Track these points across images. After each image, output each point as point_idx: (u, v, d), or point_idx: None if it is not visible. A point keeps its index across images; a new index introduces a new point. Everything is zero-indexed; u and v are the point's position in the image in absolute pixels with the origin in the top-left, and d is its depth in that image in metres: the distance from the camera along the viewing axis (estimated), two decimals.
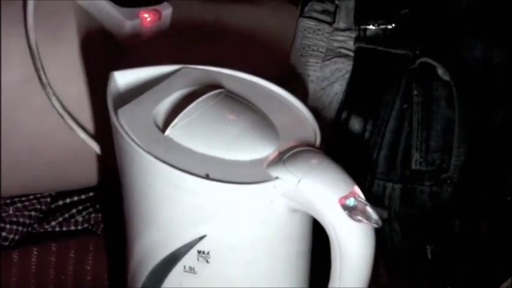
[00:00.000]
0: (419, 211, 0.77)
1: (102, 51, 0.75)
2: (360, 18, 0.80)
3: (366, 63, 0.79)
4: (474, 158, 0.76)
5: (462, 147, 0.76)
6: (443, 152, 0.76)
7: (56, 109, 0.72)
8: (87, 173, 0.78)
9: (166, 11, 0.75)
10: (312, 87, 0.79)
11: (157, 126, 0.57)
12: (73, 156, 0.76)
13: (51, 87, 0.72)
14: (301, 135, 0.58)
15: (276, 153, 0.55)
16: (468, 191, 0.77)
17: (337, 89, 0.79)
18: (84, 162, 0.77)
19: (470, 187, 0.77)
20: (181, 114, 0.56)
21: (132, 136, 0.56)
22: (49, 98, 0.72)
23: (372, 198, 0.76)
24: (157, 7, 0.74)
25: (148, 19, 0.73)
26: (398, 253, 0.78)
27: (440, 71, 0.76)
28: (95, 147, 0.75)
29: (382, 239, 0.77)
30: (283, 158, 0.54)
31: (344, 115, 0.79)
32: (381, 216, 0.73)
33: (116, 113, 0.58)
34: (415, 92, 0.76)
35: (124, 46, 0.74)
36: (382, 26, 0.79)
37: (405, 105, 0.76)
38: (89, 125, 0.75)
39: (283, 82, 0.63)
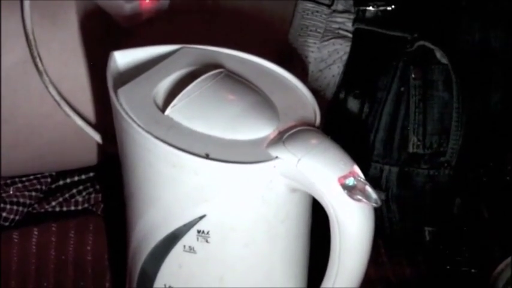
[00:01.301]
0: (417, 194, 0.77)
1: (102, 35, 0.75)
2: None
3: (364, 45, 0.79)
4: (471, 142, 0.76)
5: (460, 130, 0.76)
6: (440, 135, 0.76)
7: (53, 97, 0.72)
8: (86, 153, 0.78)
9: None
10: (309, 68, 0.79)
11: (158, 106, 0.57)
12: (73, 136, 0.76)
13: (47, 75, 0.72)
14: (300, 115, 0.58)
15: (275, 133, 0.55)
16: (466, 174, 0.77)
17: (334, 71, 0.79)
18: (83, 142, 0.77)
19: (467, 170, 0.77)
20: (181, 94, 0.56)
21: (132, 116, 0.56)
22: (46, 86, 0.72)
23: (369, 180, 0.76)
24: None
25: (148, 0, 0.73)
26: (396, 234, 0.79)
27: (438, 54, 0.76)
28: (93, 134, 0.75)
29: (380, 220, 0.77)
30: (282, 137, 0.54)
31: (341, 97, 0.78)
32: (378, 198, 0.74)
33: (115, 93, 0.58)
34: (413, 75, 0.76)
35: (123, 27, 0.74)
36: (381, 8, 0.79)
37: (402, 88, 0.76)
38: (89, 110, 0.75)
39: (283, 62, 0.63)
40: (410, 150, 0.76)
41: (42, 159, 0.78)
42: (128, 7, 0.72)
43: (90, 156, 0.79)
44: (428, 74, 0.76)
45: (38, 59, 0.71)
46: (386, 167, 0.77)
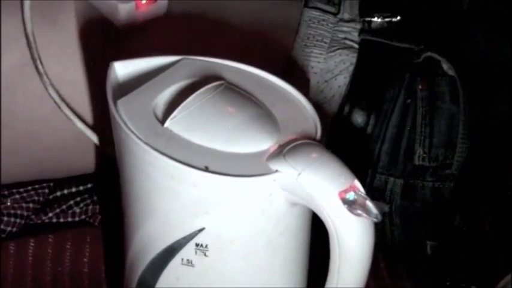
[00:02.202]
0: (421, 206, 0.77)
1: (101, 38, 0.75)
2: (365, 10, 0.80)
3: (370, 56, 0.79)
4: (477, 155, 0.76)
5: (465, 143, 0.75)
6: (446, 148, 0.76)
7: (53, 99, 0.72)
8: (84, 159, 0.78)
9: None
10: (314, 79, 0.79)
11: (157, 118, 0.57)
12: (71, 142, 0.76)
13: (48, 77, 0.72)
14: (301, 128, 0.57)
15: (276, 146, 0.55)
16: (470, 187, 0.77)
17: (340, 81, 0.79)
18: (81, 148, 0.76)
19: (472, 183, 0.76)
20: (180, 106, 0.56)
21: (132, 127, 0.55)
22: (45, 88, 0.72)
23: (374, 192, 0.76)
24: None
25: (144, 1, 0.72)
26: (398, 247, 0.78)
27: (445, 66, 0.76)
28: (92, 136, 0.74)
29: (382, 233, 0.77)
30: (283, 151, 0.54)
31: (347, 108, 0.78)
32: (382, 210, 0.73)
33: (115, 104, 0.57)
34: (420, 87, 0.75)
35: (121, 29, 0.73)
36: (387, 19, 0.79)
37: (409, 100, 0.76)
38: (87, 112, 0.74)
39: (284, 74, 0.62)
40: (416, 162, 0.76)
41: (40, 165, 0.77)
42: (123, 9, 0.72)
43: (89, 163, 0.78)
44: (435, 86, 0.76)
45: (38, 61, 0.71)
46: (391, 179, 0.76)
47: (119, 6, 0.72)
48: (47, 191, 0.80)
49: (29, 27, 0.71)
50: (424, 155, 0.75)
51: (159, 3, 0.74)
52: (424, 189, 0.76)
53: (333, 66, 0.79)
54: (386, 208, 0.76)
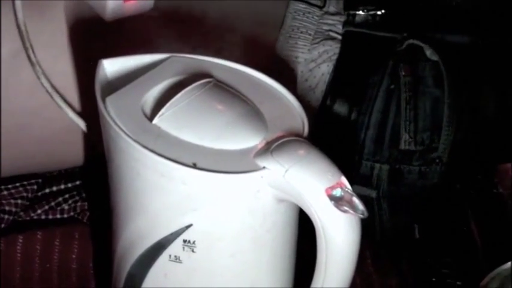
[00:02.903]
0: (408, 191, 0.77)
1: (90, 30, 0.74)
2: (350, 3, 0.80)
3: (354, 46, 0.79)
4: (463, 137, 0.76)
5: (451, 126, 0.76)
6: (432, 131, 0.76)
7: (45, 88, 0.72)
8: (74, 152, 0.78)
9: None
10: (299, 68, 0.79)
11: (146, 115, 0.57)
12: (60, 135, 0.76)
13: (40, 66, 0.71)
14: (289, 125, 0.58)
15: (263, 143, 0.55)
16: (457, 171, 0.77)
17: (324, 69, 0.79)
18: (71, 141, 0.76)
19: (459, 167, 0.77)
20: (169, 103, 0.56)
21: (120, 124, 0.56)
22: (38, 77, 0.72)
23: (360, 178, 0.76)
24: None
25: None
26: (386, 232, 0.79)
27: (428, 52, 0.76)
28: (83, 125, 0.74)
29: (370, 219, 0.77)
30: (270, 147, 0.54)
31: (331, 96, 0.79)
32: (369, 196, 0.74)
33: (104, 101, 0.58)
34: (403, 72, 0.76)
35: (107, 20, 0.73)
36: (371, 12, 0.79)
37: (392, 86, 0.76)
38: (76, 102, 0.74)
39: (270, 65, 0.62)
40: (402, 147, 0.76)
41: (29, 158, 0.77)
42: (110, 3, 0.71)
43: (78, 156, 0.78)
44: (418, 71, 0.76)
45: (30, 50, 0.71)
46: (377, 165, 0.77)
47: (107, 1, 0.71)
48: (35, 187, 0.80)
49: (20, 17, 0.70)
50: (410, 140, 0.76)
51: None
52: (411, 174, 0.77)
53: (317, 56, 0.79)
54: (373, 194, 0.77)
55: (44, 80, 0.72)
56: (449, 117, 0.75)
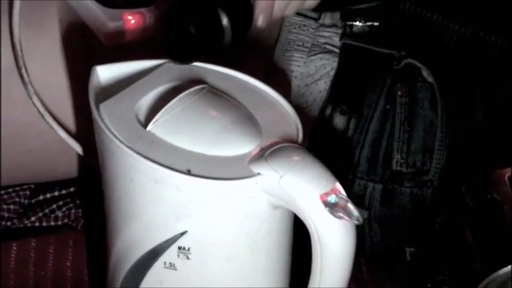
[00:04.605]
0: (400, 212, 0.77)
1: (85, 46, 0.74)
2: (347, 14, 0.80)
3: (351, 61, 0.79)
4: (454, 162, 0.76)
5: (443, 150, 0.76)
6: (424, 154, 0.76)
7: (37, 108, 0.72)
8: (67, 164, 0.78)
9: (153, 14, 0.72)
10: (295, 83, 0.79)
11: (140, 122, 0.57)
12: (54, 147, 0.76)
13: (32, 86, 0.72)
14: (283, 132, 0.58)
15: (258, 149, 0.55)
16: (448, 193, 0.77)
17: (321, 86, 0.79)
18: (64, 153, 0.76)
19: (449, 188, 0.77)
20: (163, 110, 0.56)
21: (114, 131, 0.56)
22: (30, 97, 0.72)
23: (353, 198, 0.76)
24: (142, 10, 0.71)
25: (132, 21, 0.71)
26: (377, 254, 0.78)
27: (425, 73, 0.76)
28: (75, 146, 0.74)
29: (361, 239, 0.77)
30: (265, 154, 0.54)
31: (328, 112, 0.78)
32: (361, 216, 0.74)
33: (97, 108, 0.57)
34: (399, 93, 0.76)
35: (106, 46, 0.73)
36: (368, 23, 0.79)
37: (388, 106, 0.76)
38: (71, 119, 0.74)
39: (266, 78, 0.63)
40: (394, 167, 0.76)
41: (23, 169, 0.77)
42: (110, 26, 0.71)
43: (71, 168, 0.78)
44: (415, 92, 0.76)
45: (23, 70, 0.71)
46: (371, 184, 0.77)
47: (107, 23, 0.70)
48: (28, 192, 0.80)
49: (16, 36, 0.71)
50: (402, 161, 0.76)
51: (148, 23, 0.72)
52: (402, 195, 0.77)
53: (314, 71, 0.79)
54: (365, 214, 0.77)
55: (35, 100, 0.72)
56: (441, 141, 0.76)
